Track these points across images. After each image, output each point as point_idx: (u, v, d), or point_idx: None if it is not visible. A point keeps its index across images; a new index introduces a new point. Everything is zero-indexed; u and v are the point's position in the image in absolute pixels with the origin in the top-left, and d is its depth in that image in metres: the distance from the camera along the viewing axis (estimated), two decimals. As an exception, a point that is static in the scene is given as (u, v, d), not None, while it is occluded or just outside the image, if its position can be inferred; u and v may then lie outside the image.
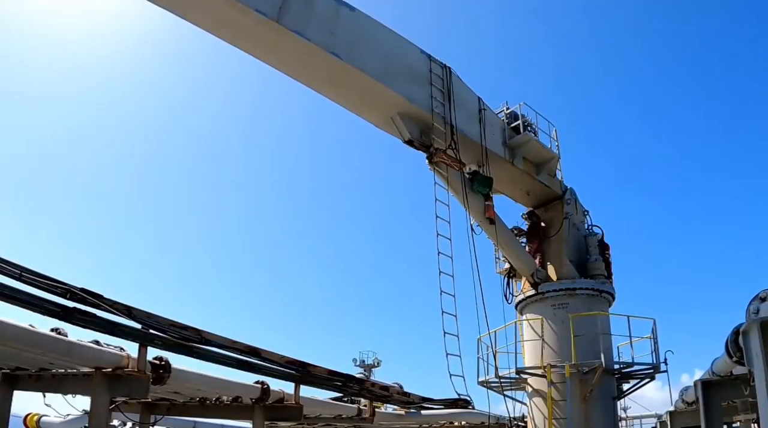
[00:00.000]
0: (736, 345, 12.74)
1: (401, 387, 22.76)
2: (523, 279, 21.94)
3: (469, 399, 20.24)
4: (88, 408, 9.67)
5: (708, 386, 13.70)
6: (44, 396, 11.74)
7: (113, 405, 10.29)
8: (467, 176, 19.61)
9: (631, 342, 19.79)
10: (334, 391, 18.98)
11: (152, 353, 9.94)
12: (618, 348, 21.19)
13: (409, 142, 18.60)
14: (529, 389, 20.75)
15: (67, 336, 9.19)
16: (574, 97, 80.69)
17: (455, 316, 17.21)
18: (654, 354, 20.09)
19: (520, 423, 22.61)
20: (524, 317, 21.81)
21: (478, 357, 20.94)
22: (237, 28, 16.00)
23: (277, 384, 13.76)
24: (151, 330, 9.69)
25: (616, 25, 76.97)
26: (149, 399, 13.39)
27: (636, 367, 20.29)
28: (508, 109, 21.92)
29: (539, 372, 20.05)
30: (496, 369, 20.20)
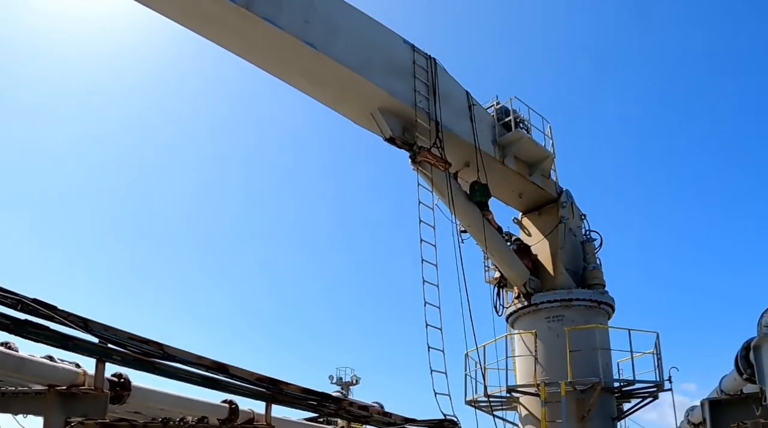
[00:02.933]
0: (746, 362, 12.92)
1: (382, 406, 22.79)
2: (515, 289, 22.14)
3: (455, 419, 20.22)
4: (40, 430, 9.74)
5: (716, 406, 13.77)
6: (-8, 416, 11.76)
7: (68, 426, 10.35)
8: (455, 180, 19.83)
9: (632, 357, 20.01)
10: (308, 411, 18.98)
11: (110, 369, 9.96)
12: (618, 364, 21.38)
13: (391, 140, 18.71)
14: (522, 409, 20.93)
15: (17, 350, 9.23)
16: (572, 91, 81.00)
17: (440, 329, 17.32)
18: (657, 370, 20.36)
19: (511, 447, 22.77)
20: (516, 330, 21.99)
21: (466, 374, 21.09)
22: (205, 17, 16.09)
23: (246, 404, 13.80)
24: (109, 345, 9.66)
25: (617, 17, 77.39)
26: (107, 420, 13.37)
27: (638, 385, 20.51)
28: (498, 103, 22.11)
29: (532, 390, 20.21)
30: (485, 387, 20.36)
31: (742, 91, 78.52)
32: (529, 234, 23.35)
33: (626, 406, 21.72)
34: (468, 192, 20.47)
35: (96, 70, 75.78)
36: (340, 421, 21.37)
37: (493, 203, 22.53)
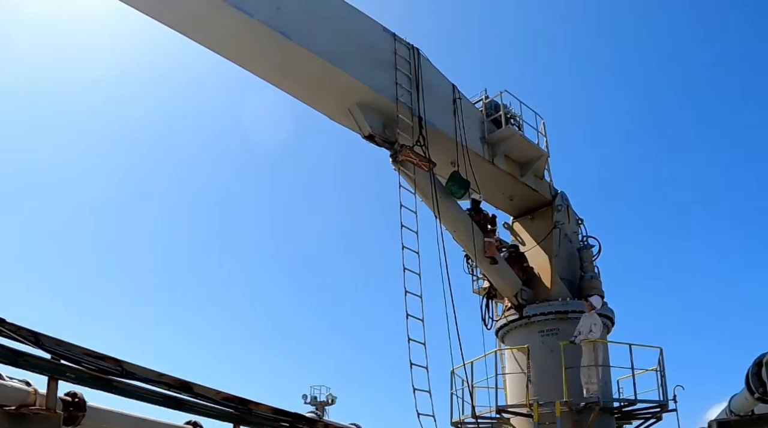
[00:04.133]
0: (758, 379, 13.10)
1: (360, 429, 23.00)
2: (506, 300, 22.26)
3: (440, 443, 20.44)
4: (-14, 454, 9.79)
5: (725, 427, 13.88)
6: (-67, 440, 11.77)
7: (16, 451, 10.39)
8: (439, 181, 19.90)
9: (633, 375, 20.10)
10: (280, 435, 19.10)
11: (63, 388, 10.01)
12: (618, 382, 21.54)
13: (370, 138, 18.74)
14: (513, 432, 21.04)
15: (-38, 368, 9.30)
16: (570, 85, 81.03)
17: (424, 344, 17.39)
18: (661, 389, 20.49)
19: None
20: (506, 345, 22.15)
21: (452, 394, 21.29)
22: (167, 3, 16.14)
23: (212, 425, 13.89)
24: (63, 361, 9.71)
25: (619, 8, 77.41)
26: (59, 444, 13.47)
27: (639, 405, 20.59)
28: (487, 98, 22.22)
29: (524, 410, 20.26)
30: (473, 407, 20.40)
31: (751, 88, 78.98)
32: (522, 241, 23.50)
33: (627, 428, 21.89)
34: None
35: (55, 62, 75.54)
36: (314, 445, 21.58)
37: (482, 206, 22.67)
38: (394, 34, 19.65)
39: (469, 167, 20.21)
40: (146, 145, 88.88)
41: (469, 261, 22.12)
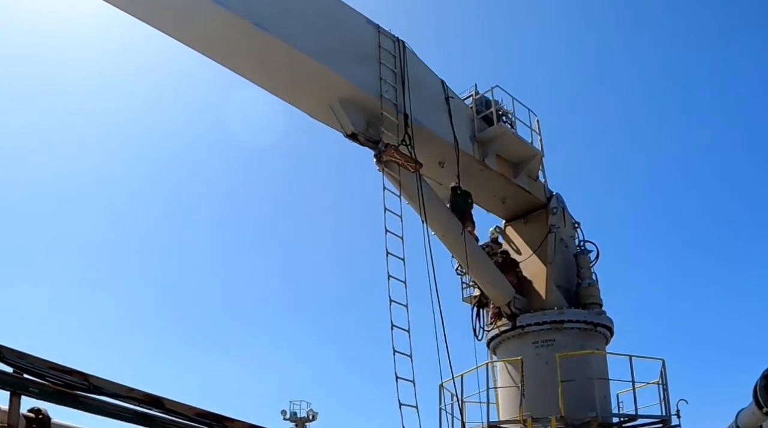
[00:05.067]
0: (766, 393, 13.16)
1: (343, 447, 23.09)
2: (491, 309, 22.30)
3: (429, 461, 20.47)
4: (-57, 475, 9.81)
5: None
6: None
7: (-25, 471, 10.42)
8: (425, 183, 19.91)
9: (634, 388, 20.24)
10: (257, 453, 19.10)
11: (26, 403, 10.06)
12: (618, 396, 21.59)
13: (353, 136, 18.71)
14: (506, 449, 21.10)
15: None
16: (566, 81, 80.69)
17: (410, 357, 17.36)
18: (663, 403, 20.58)
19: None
20: (498, 357, 22.21)
21: (441, 409, 21.28)
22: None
23: (184, 444, 13.99)
24: (26, 375, 9.79)
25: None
26: (20, 464, 13.47)
27: (640, 420, 20.70)
28: (477, 93, 22.25)
29: (517, 426, 20.33)
30: (463, 423, 20.36)
31: (757, 90, 79.23)
32: (515, 246, 23.59)
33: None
34: (450, 197, 20.65)
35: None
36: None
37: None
38: (378, 26, 19.65)
39: (458, 167, 20.32)
40: (135, 144, 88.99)
41: (459, 267, 22.21)
